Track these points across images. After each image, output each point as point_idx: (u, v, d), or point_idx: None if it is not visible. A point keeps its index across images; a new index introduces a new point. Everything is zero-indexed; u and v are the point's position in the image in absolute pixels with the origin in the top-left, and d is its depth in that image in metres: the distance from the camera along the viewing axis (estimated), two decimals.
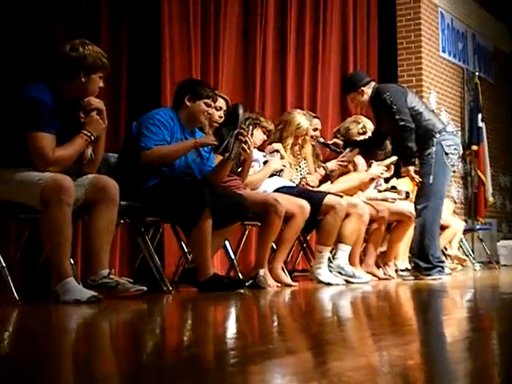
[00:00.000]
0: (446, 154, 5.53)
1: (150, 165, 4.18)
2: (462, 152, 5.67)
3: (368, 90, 5.66)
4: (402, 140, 5.45)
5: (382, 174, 5.98)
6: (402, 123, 5.42)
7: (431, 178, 5.50)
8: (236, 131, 4.27)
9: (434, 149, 5.52)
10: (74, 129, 3.61)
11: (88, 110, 3.63)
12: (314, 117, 5.96)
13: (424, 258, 5.57)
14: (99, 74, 3.62)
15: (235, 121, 4.30)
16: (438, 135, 5.55)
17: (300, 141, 5.52)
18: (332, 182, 5.85)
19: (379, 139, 5.91)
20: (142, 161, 4.17)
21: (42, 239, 3.43)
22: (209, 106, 4.41)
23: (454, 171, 8.64)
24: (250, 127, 4.62)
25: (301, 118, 5.48)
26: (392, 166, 6.19)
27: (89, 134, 3.59)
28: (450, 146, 5.56)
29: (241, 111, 4.33)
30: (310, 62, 7.47)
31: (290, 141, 5.43)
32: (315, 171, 5.69)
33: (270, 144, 5.43)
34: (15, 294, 3.41)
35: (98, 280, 3.50)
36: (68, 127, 3.57)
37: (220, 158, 4.41)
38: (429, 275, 5.55)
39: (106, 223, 3.54)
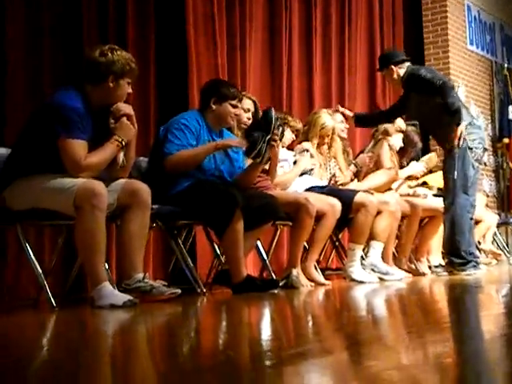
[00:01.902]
0: (470, 148, 5.48)
1: (172, 170, 4.19)
2: (486, 146, 5.60)
3: (400, 70, 5.65)
4: (446, 97, 5.33)
5: (423, 172, 6.01)
6: (441, 82, 5.37)
7: (455, 173, 5.46)
8: (269, 136, 4.25)
9: (463, 142, 5.47)
10: (103, 135, 3.64)
11: (117, 116, 3.65)
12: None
13: (456, 253, 5.54)
14: (127, 80, 3.63)
15: (268, 126, 4.27)
16: (469, 129, 5.50)
17: (327, 140, 5.51)
18: (359, 179, 5.84)
19: (391, 114, 5.89)
20: (165, 167, 4.18)
21: (77, 245, 3.46)
22: (235, 106, 4.41)
23: (485, 164, 8.57)
24: (281, 128, 4.62)
25: (326, 118, 5.47)
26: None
27: (120, 140, 3.61)
28: (473, 140, 5.50)
29: (273, 116, 4.31)
30: (337, 59, 7.46)
31: (315, 141, 5.42)
32: (346, 169, 5.68)
33: (300, 143, 5.42)
34: (52, 300, 3.45)
35: (133, 284, 3.52)
36: (98, 133, 3.60)
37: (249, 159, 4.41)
38: (463, 270, 5.51)
39: (138, 227, 3.56)
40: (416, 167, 6.00)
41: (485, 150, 5.64)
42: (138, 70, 3.70)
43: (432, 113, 5.51)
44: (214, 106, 4.38)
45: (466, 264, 5.54)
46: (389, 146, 6.06)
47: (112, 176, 3.66)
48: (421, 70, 5.65)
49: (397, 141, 6.13)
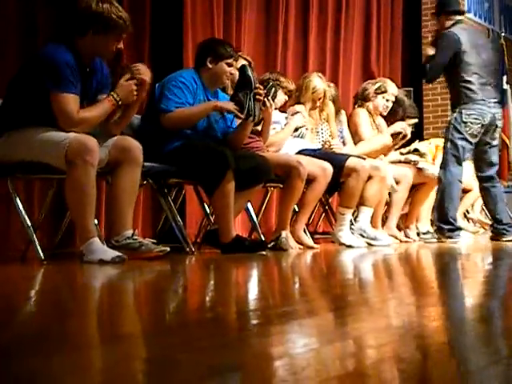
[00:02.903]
0: (464, 122, 5.55)
1: (170, 127, 4.19)
2: (489, 122, 5.61)
3: (449, 21, 5.70)
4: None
5: (402, 130, 5.94)
6: (425, 69, 5.67)
7: (449, 143, 5.62)
8: (252, 93, 4.25)
9: (454, 115, 5.61)
10: (93, 90, 3.62)
11: (134, 76, 3.60)
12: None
13: (445, 220, 5.61)
14: (113, 34, 3.55)
15: (248, 82, 4.27)
16: (462, 104, 5.57)
17: (319, 103, 5.48)
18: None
19: None
20: (162, 123, 4.17)
21: (67, 199, 3.46)
22: (231, 65, 4.39)
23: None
24: (273, 89, 4.59)
25: (316, 81, 5.42)
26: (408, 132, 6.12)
27: (117, 99, 3.58)
28: (469, 114, 5.56)
29: (249, 72, 4.31)
30: (333, 23, 7.40)
31: (308, 105, 5.40)
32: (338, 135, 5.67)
33: (292, 106, 5.40)
34: (40, 254, 3.46)
35: (122, 240, 3.53)
36: (88, 88, 3.57)
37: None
38: (450, 237, 5.57)
39: (129, 184, 3.56)
40: (395, 125, 5.94)
41: (483, 125, 5.59)
42: (127, 26, 3.59)
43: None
44: (210, 65, 4.36)
45: (454, 231, 5.61)
46: (368, 111, 6.00)
47: (104, 132, 3.65)
48: (445, 35, 5.68)
49: (380, 102, 6.01)
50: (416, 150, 6.38)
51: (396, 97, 6.15)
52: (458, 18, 5.78)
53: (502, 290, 2.56)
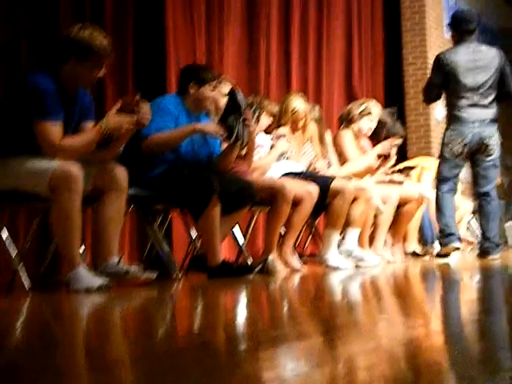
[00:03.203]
0: (446, 143, 5.78)
1: (149, 152, 4.16)
2: (473, 141, 5.78)
3: (455, 39, 5.93)
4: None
5: (388, 152, 5.97)
6: (424, 87, 6.00)
7: (439, 161, 5.89)
8: (242, 117, 4.26)
9: (444, 138, 5.84)
10: (75, 117, 3.61)
11: (127, 107, 3.57)
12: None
13: (439, 230, 5.87)
14: (94, 62, 3.53)
15: (238, 107, 4.28)
16: (448, 124, 5.84)
17: (301, 124, 5.48)
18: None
19: None
20: (142, 149, 4.15)
21: (52, 227, 3.44)
22: (213, 90, 4.40)
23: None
24: (257, 112, 4.61)
25: (296, 102, 5.42)
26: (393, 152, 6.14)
27: (105, 130, 3.52)
28: (450, 135, 5.77)
29: (240, 96, 4.32)
30: (315, 45, 7.44)
31: (289, 126, 5.40)
32: (322, 155, 5.67)
33: (278, 127, 5.40)
34: (26, 283, 3.43)
35: (108, 268, 3.51)
36: (70, 115, 3.56)
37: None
38: (446, 244, 5.76)
39: (115, 211, 3.55)
40: (380, 147, 5.97)
41: (465, 145, 5.75)
42: (108, 54, 3.56)
43: None
44: (192, 90, 4.37)
45: (448, 236, 5.75)
46: (353, 132, 6.02)
47: (90, 158, 3.63)
48: (440, 55, 5.91)
49: (364, 124, 6.04)
50: (400, 171, 6.41)
51: (379, 118, 6.18)
52: (467, 36, 5.91)
53: (490, 309, 2.56)
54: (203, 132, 4.30)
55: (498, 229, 6.03)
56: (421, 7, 8.98)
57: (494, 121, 5.88)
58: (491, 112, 5.87)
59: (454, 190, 5.90)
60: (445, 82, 5.76)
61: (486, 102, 5.83)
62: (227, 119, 4.28)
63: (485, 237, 5.82)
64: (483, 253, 5.78)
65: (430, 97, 5.99)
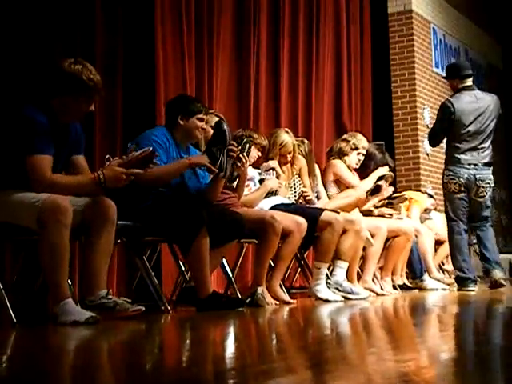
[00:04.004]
0: (445, 183, 6.19)
1: (145, 185, 4.16)
2: (467, 181, 6.13)
3: (460, 84, 6.24)
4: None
5: (378, 186, 6.01)
6: (430, 132, 6.36)
7: (444, 201, 6.29)
8: (226, 149, 4.27)
9: (443, 178, 6.24)
10: (68, 150, 3.61)
11: (127, 160, 3.54)
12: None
13: (458, 269, 6.13)
14: (83, 96, 3.53)
15: (223, 138, 4.30)
16: (446, 166, 6.21)
17: (289, 158, 5.52)
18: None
19: None
20: (138, 182, 4.14)
21: (40, 260, 3.41)
22: (202, 120, 4.42)
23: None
24: (247, 145, 4.62)
25: (283, 136, 5.48)
26: (384, 182, 6.19)
27: (102, 181, 3.48)
28: (448, 175, 6.16)
29: (225, 127, 4.33)
30: (304, 79, 7.49)
31: (277, 160, 5.43)
32: (310, 186, 5.69)
33: (266, 161, 5.42)
34: (13, 316, 3.39)
35: (96, 301, 3.48)
36: (60, 149, 3.56)
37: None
38: (465, 285, 6.05)
39: (103, 244, 3.53)
40: (366, 182, 6.07)
41: (460, 185, 6.11)
42: (98, 89, 3.56)
43: None
44: (181, 122, 4.38)
45: (464, 280, 6.07)
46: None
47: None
48: (443, 104, 6.30)
49: (353, 158, 6.13)
50: (390, 204, 6.43)
51: (367, 150, 6.23)
52: (469, 82, 6.28)
53: (479, 342, 2.56)
54: (198, 165, 4.30)
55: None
56: (409, 41, 9.08)
57: (489, 164, 6.22)
58: (488, 155, 6.21)
59: (465, 230, 6.21)
60: (449, 127, 6.15)
61: (485, 145, 6.21)
62: (211, 150, 4.28)
63: (488, 259, 6.12)
64: (486, 272, 6.16)
65: (435, 142, 6.44)
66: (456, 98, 6.20)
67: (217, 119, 4.80)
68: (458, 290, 6.14)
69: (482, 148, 6.16)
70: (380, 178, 6.11)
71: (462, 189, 6.11)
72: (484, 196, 6.19)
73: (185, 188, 4.37)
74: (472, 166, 6.11)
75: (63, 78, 3.53)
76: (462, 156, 6.11)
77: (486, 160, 6.18)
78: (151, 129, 4.51)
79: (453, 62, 6.89)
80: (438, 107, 6.40)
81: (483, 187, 6.15)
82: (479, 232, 6.24)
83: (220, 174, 4.30)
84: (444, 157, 6.42)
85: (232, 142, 4.35)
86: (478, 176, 6.12)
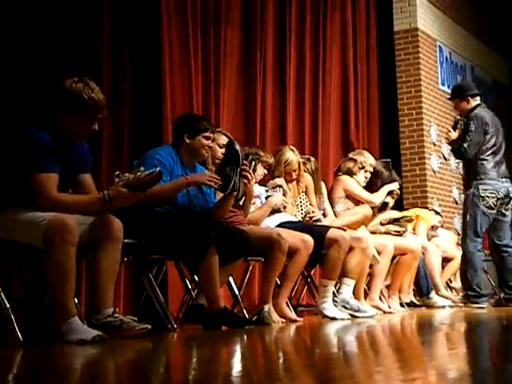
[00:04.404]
0: (482, 196, 6.18)
1: (144, 202, 4.14)
2: (503, 195, 6.26)
3: (473, 102, 6.35)
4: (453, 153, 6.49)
5: (384, 202, 6.01)
6: (464, 151, 6.19)
7: (468, 217, 6.22)
8: (239, 168, 4.28)
9: (471, 190, 6.21)
10: (75, 169, 3.62)
11: (132, 181, 3.49)
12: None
13: (470, 287, 6.18)
14: (85, 115, 3.53)
15: (235, 157, 4.30)
16: (479, 179, 6.20)
17: (295, 175, 5.52)
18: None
19: None
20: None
21: (47, 279, 3.41)
22: (208, 138, 4.42)
23: (456, 202, 9.00)
24: (253, 162, 4.63)
25: (288, 154, 5.49)
26: (390, 199, 6.19)
27: (107, 201, 3.48)
28: (486, 189, 6.19)
29: (237, 147, 4.35)
30: (311, 97, 7.51)
31: (282, 178, 5.43)
32: (317, 204, 5.69)
33: (272, 179, 5.43)
34: (19, 335, 3.39)
35: (103, 319, 3.48)
36: (68, 165, 3.57)
37: (221, 194, 4.41)
38: (477, 303, 6.10)
39: (110, 262, 3.53)
40: (374, 197, 6.08)
41: (498, 199, 6.21)
42: (99, 108, 3.55)
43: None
44: (187, 141, 4.39)
45: (479, 297, 6.14)
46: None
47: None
48: (479, 118, 6.32)
49: (361, 177, 6.15)
50: (396, 220, 6.42)
51: (374, 168, 6.23)
52: (479, 100, 6.40)
53: (486, 361, 2.54)
54: (197, 184, 4.30)
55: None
56: (415, 59, 9.10)
57: (510, 178, 6.40)
58: (507, 169, 6.40)
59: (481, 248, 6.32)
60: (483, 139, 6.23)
61: (504, 160, 6.38)
62: (224, 170, 4.29)
63: (508, 286, 6.24)
64: (508, 300, 6.22)
65: (472, 153, 6.25)
66: (482, 111, 6.32)
67: (224, 137, 4.82)
68: (468, 306, 6.13)
69: (503, 162, 6.33)
70: (388, 193, 6.11)
71: (498, 204, 6.19)
72: (510, 209, 6.31)
73: (191, 206, 4.37)
74: (504, 179, 6.25)
75: (64, 96, 3.55)
76: (495, 169, 6.21)
77: (508, 174, 6.36)
78: (156, 148, 4.52)
79: (459, 83, 6.96)
80: (471, 118, 6.31)
81: (510, 202, 6.29)
82: (504, 255, 6.30)
83: (233, 193, 4.31)
84: (451, 174, 6.44)
85: (245, 161, 4.37)
86: (509, 188, 6.26)
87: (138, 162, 4.29)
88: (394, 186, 6.19)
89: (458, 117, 6.60)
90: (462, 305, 6.37)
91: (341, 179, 6.13)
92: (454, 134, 6.39)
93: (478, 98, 6.44)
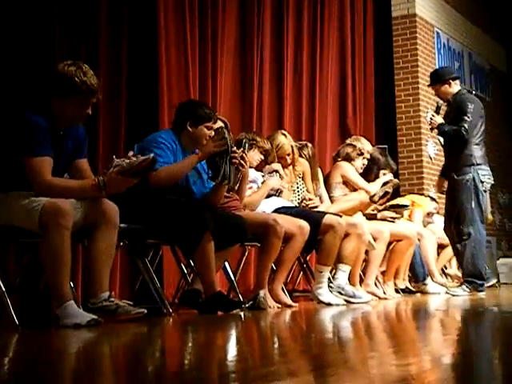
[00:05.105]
0: (482, 182, 6.12)
1: (158, 186, 4.16)
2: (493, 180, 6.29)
3: (454, 86, 6.28)
4: (452, 137, 6.16)
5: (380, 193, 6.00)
6: (464, 131, 6.02)
7: (472, 203, 6.10)
8: (228, 156, 4.26)
9: (471, 175, 6.10)
10: (70, 154, 3.61)
11: (126, 167, 3.47)
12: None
13: (479, 276, 6.09)
14: (77, 99, 3.51)
15: (224, 146, 4.28)
16: (476, 164, 6.11)
17: (289, 160, 5.52)
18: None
19: None
20: (151, 182, 4.13)
21: (42, 263, 3.42)
22: (210, 128, 4.42)
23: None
24: (246, 145, 4.62)
25: (280, 138, 5.49)
26: (391, 188, 6.19)
27: (102, 187, 3.46)
28: (484, 175, 6.14)
29: (226, 135, 4.32)
30: (308, 82, 7.50)
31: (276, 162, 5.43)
32: (313, 190, 5.69)
33: (269, 164, 5.42)
34: (15, 319, 3.40)
35: (98, 303, 3.49)
36: (63, 150, 3.57)
37: None
38: (482, 291, 6.05)
39: (106, 246, 3.53)
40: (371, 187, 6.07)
41: (491, 185, 6.26)
42: (91, 92, 3.51)
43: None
44: (190, 129, 4.38)
45: (483, 285, 6.10)
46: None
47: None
48: (471, 102, 6.24)
49: (359, 163, 6.15)
50: (392, 207, 6.43)
51: (371, 154, 6.23)
52: (459, 83, 6.37)
53: (481, 347, 2.55)
54: (207, 155, 4.28)
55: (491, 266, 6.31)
56: (413, 45, 9.08)
57: None
58: None
59: None
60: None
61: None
62: (214, 158, 4.27)
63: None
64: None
65: (471, 134, 6.13)
66: (473, 96, 6.32)
67: (220, 123, 4.81)
68: (472, 294, 6.00)
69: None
70: (385, 183, 6.09)
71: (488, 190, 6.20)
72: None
73: (189, 193, 4.37)
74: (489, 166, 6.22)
75: (57, 79, 3.53)
76: (484, 155, 6.17)
77: None
78: (158, 131, 4.52)
79: (436, 69, 6.82)
80: (464, 100, 6.21)
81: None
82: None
83: (224, 182, 4.30)
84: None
85: (234, 148, 4.35)
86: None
87: (140, 146, 4.28)
88: (387, 178, 6.15)
89: (440, 102, 6.48)
90: (463, 293, 6.08)
91: (339, 165, 6.13)
92: (439, 118, 6.22)
93: (458, 81, 6.40)
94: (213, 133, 4.44)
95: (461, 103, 6.16)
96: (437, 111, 6.33)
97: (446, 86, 6.28)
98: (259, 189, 5.16)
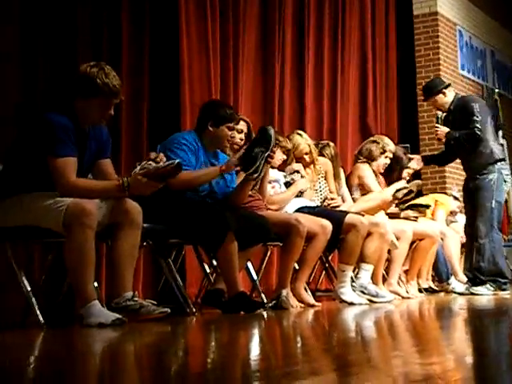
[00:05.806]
0: (505, 181, 6.08)
1: (176, 189, 4.18)
2: None
3: (449, 93, 6.23)
4: (466, 141, 6.05)
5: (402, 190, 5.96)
6: (478, 131, 5.96)
7: (493, 202, 6.03)
8: (267, 153, 4.27)
9: (495, 175, 6.04)
10: (93, 154, 3.63)
11: (152, 171, 3.52)
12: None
13: (501, 275, 6.08)
14: (99, 100, 3.53)
15: (267, 143, 4.27)
16: (499, 163, 6.06)
17: (308, 159, 5.50)
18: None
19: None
20: (168, 184, 4.15)
21: (66, 263, 3.44)
22: (232, 129, 4.43)
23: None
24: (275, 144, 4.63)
25: (296, 138, 5.47)
26: (415, 187, 6.15)
27: (126, 188, 3.49)
28: (507, 175, 6.11)
29: (272, 133, 4.31)
30: (329, 82, 7.49)
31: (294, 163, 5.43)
32: (336, 189, 5.68)
33: (290, 164, 5.42)
34: (40, 318, 3.43)
35: (122, 303, 3.51)
36: (87, 150, 3.59)
37: (241, 177, 4.42)
38: (505, 290, 6.03)
39: (129, 246, 3.55)
40: (395, 186, 5.99)
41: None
42: (113, 93, 3.54)
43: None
44: (211, 129, 4.39)
45: (506, 283, 6.09)
46: (372, 169, 6.03)
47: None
48: (475, 101, 6.25)
49: (382, 162, 6.09)
50: (415, 206, 6.39)
51: (394, 154, 6.20)
52: (453, 90, 6.35)
53: (505, 346, 2.54)
54: (228, 171, 4.31)
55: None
56: (435, 43, 9.04)
57: None
58: None
59: None
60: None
61: None
62: (253, 150, 4.26)
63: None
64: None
65: (485, 132, 6.10)
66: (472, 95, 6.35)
67: (242, 122, 4.82)
68: (496, 294, 5.98)
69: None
70: (398, 190, 6.00)
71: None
72: None
73: (212, 192, 4.38)
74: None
75: (80, 80, 3.56)
76: (503, 149, 6.26)
77: None
78: (180, 132, 4.53)
79: (425, 83, 6.68)
80: (467, 102, 6.18)
81: None
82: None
83: (253, 175, 4.28)
84: None
85: (274, 149, 4.36)
86: None
87: (163, 146, 4.30)
88: (400, 185, 6.05)
89: (439, 112, 6.33)
90: (487, 292, 6.04)
91: (357, 167, 6.09)
92: (445, 128, 6.15)
93: (451, 88, 6.35)
94: (234, 133, 4.45)
95: (464, 106, 6.11)
96: (438, 123, 6.28)
97: (441, 96, 6.23)
98: (289, 189, 5.17)
